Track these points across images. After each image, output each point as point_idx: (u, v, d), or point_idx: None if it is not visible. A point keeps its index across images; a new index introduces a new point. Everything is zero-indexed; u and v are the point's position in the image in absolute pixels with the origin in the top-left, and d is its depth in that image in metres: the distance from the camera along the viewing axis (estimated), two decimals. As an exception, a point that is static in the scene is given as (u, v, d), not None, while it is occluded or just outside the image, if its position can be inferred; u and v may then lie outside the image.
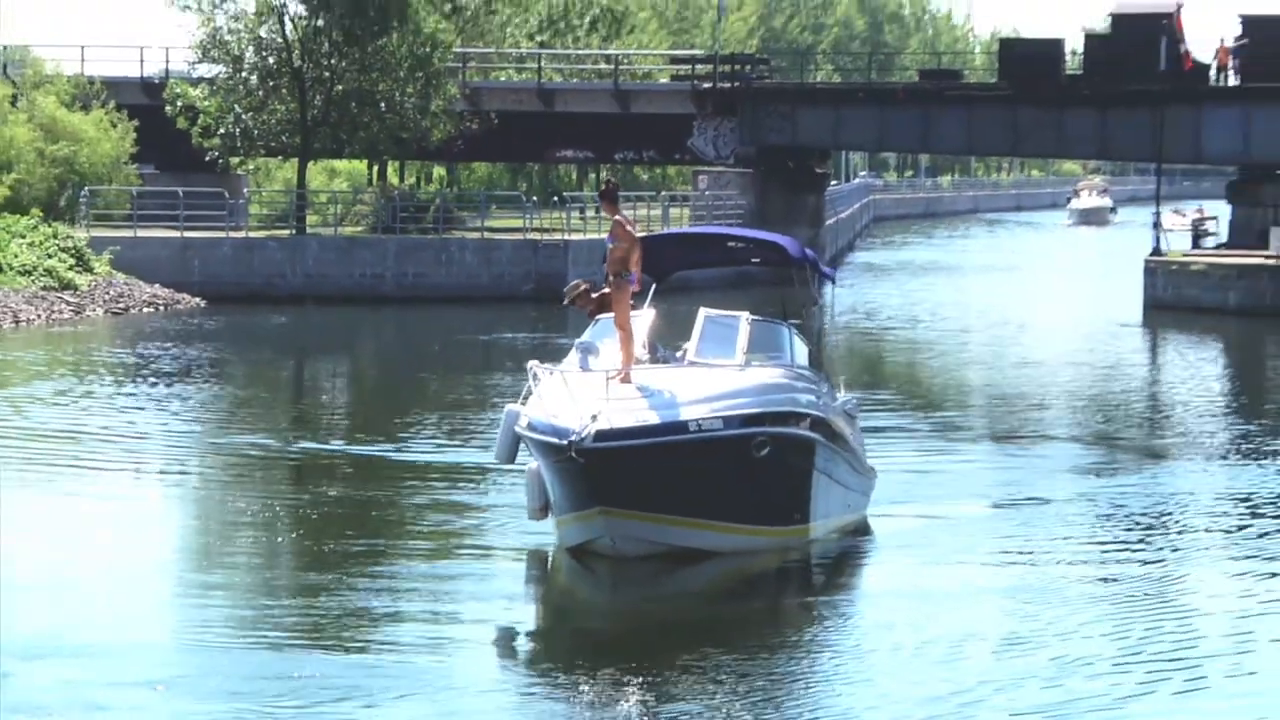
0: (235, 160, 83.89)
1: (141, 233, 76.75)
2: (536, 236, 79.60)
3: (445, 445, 36.03)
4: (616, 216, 26.42)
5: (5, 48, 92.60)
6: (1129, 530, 30.33)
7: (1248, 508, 31.52)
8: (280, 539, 29.20)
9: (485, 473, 29.53)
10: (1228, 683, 20.07)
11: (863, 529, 27.88)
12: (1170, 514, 31.53)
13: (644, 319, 26.49)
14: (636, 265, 25.77)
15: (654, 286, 28.26)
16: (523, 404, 24.88)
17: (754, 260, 32.43)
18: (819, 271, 29.77)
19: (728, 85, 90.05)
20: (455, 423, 37.39)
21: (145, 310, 69.68)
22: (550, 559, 25.44)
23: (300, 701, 18.72)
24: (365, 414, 46.85)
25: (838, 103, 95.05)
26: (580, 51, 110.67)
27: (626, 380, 24.33)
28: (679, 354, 25.96)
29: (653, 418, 23.54)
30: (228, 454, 37.61)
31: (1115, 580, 26.08)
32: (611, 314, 26.26)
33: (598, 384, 24.01)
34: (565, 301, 27.03)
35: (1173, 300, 72.17)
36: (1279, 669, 21.16)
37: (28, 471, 35.11)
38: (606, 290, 26.24)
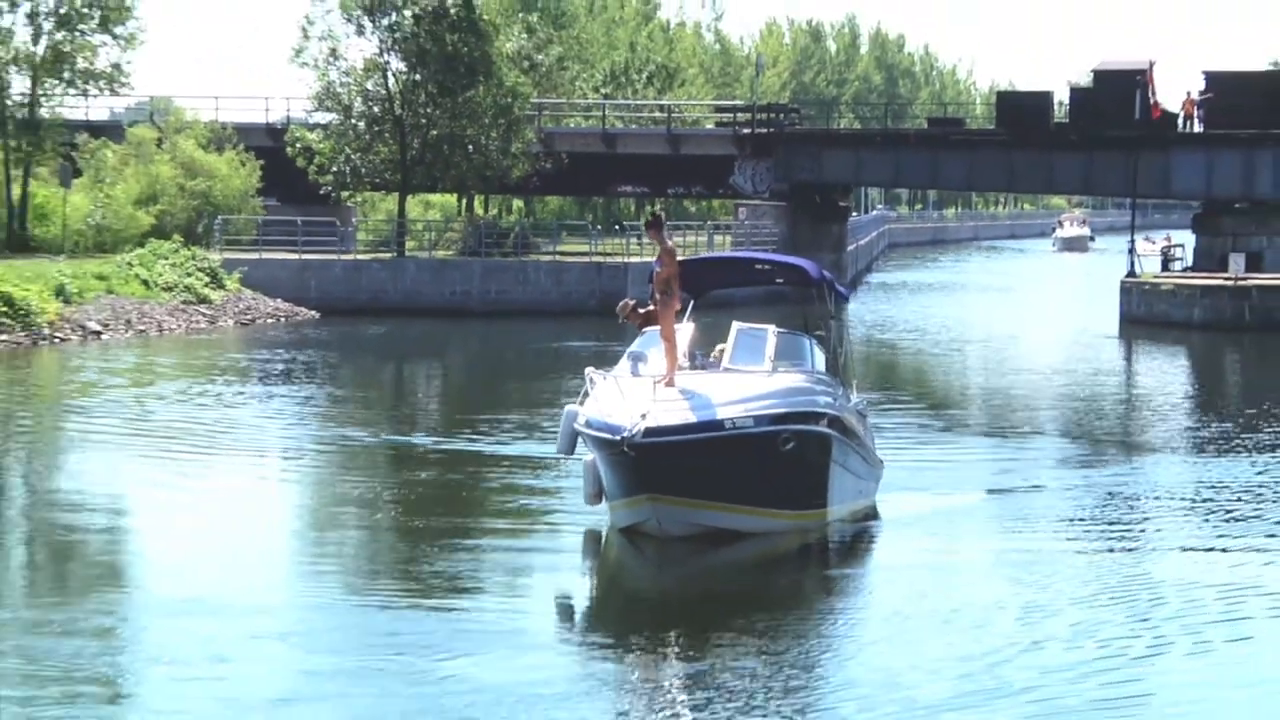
0: (345, 194, 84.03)
1: (266, 255, 77.06)
2: (600, 259, 79.53)
3: (517, 438, 36.01)
4: (664, 245, 26.43)
5: (152, 98, 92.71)
6: (1115, 511, 30.38)
7: (1218, 492, 31.42)
8: (380, 516, 29.43)
9: (549, 463, 29.58)
10: (1230, 646, 20.13)
11: (872, 513, 27.87)
12: (1150, 498, 31.58)
13: (684, 331, 26.57)
14: (675, 287, 25.87)
15: (691, 303, 28.43)
16: (581, 404, 25.16)
17: (779, 280, 32.21)
18: (835, 290, 29.81)
19: (764, 131, 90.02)
20: (526, 419, 37.42)
21: (268, 321, 69.95)
22: (604, 537, 25.49)
23: (399, 652, 19.17)
24: (451, 411, 46.95)
25: (858, 146, 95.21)
26: (638, 102, 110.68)
27: (670, 384, 24.49)
28: (715, 361, 26.03)
29: (693, 416, 23.67)
30: (336, 444, 37.82)
31: (1110, 554, 26.16)
32: (657, 327, 26.51)
33: (646, 387, 24.39)
34: (620, 319, 27.07)
35: (1145, 316, 71.94)
36: (1272, 632, 21.18)
37: (168, 458, 35.46)
38: (653, 307, 26.46)
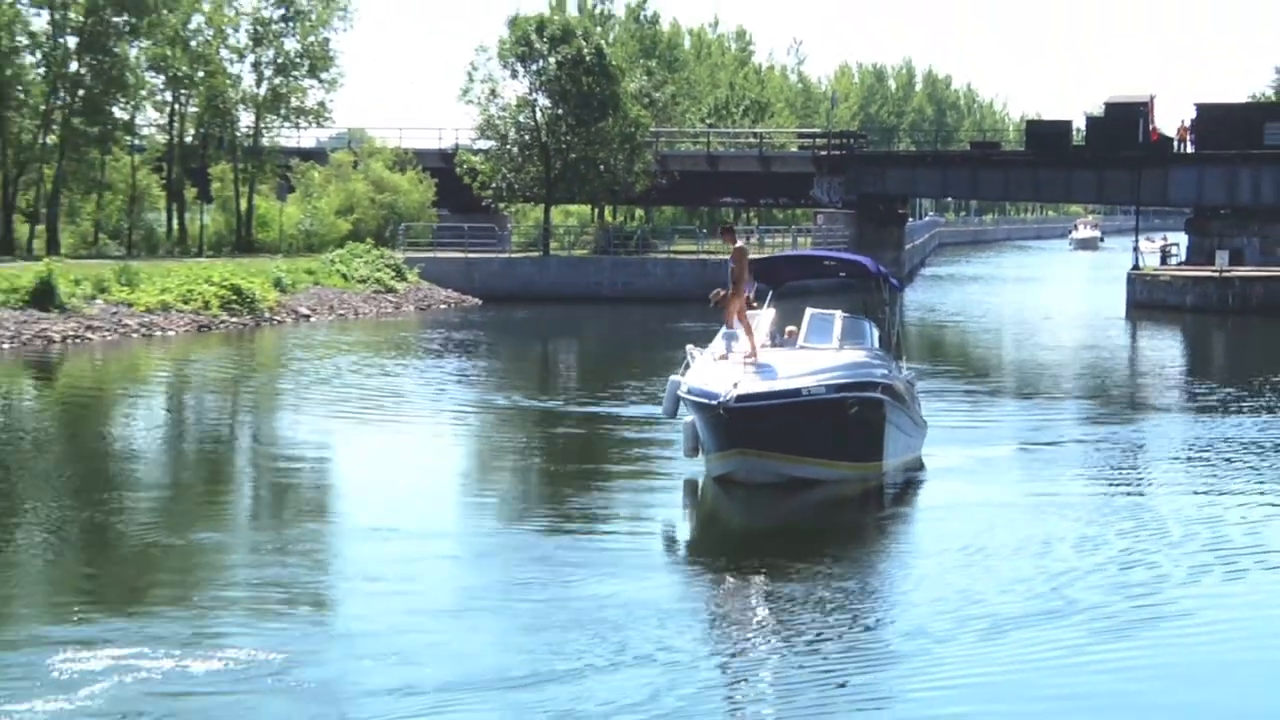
0: (502, 205, 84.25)
1: (439, 254, 77.53)
2: (705, 257, 79.08)
3: (633, 402, 35.93)
4: (734, 246, 26.84)
5: (349, 129, 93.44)
6: (1136, 460, 30.20)
7: (1221, 445, 30.96)
8: (543, 464, 29.71)
9: (657, 423, 29.51)
10: (1261, 572, 20.00)
11: (920, 465, 27.57)
12: (1163, 449, 31.20)
13: (766, 315, 26.58)
14: (746, 279, 26.14)
15: (770, 293, 28.46)
16: (682, 374, 25.14)
17: (842, 274, 31.84)
18: (889, 282, 29.59)
19: (837, 153, 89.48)
20: (642, 386, 37.41)
21: (441, 307, 70.33)
22: (700, 484, 25.32)
23: (545, 570, 19.42)
24: (583, 378, 47.01)
25: (913, 164, 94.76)
26: (736, 130, 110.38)
27: (753, 359, 24.55)
28: (791, 339, 25.99)
29: (776, 385, 23.68)
30: (492, 404, 38.02)
31: (1139, 496, 25.98)
32: (747, 311, 26.66)
33: (736, 361, 24.50)
34: (712, 304, 27.07)
35: (1147, 301, 71.20)
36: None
37: (362, 413, 35.90)
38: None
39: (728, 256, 27.34)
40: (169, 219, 78.48)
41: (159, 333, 52.22)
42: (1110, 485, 27.17)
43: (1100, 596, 18.18)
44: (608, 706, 13.94)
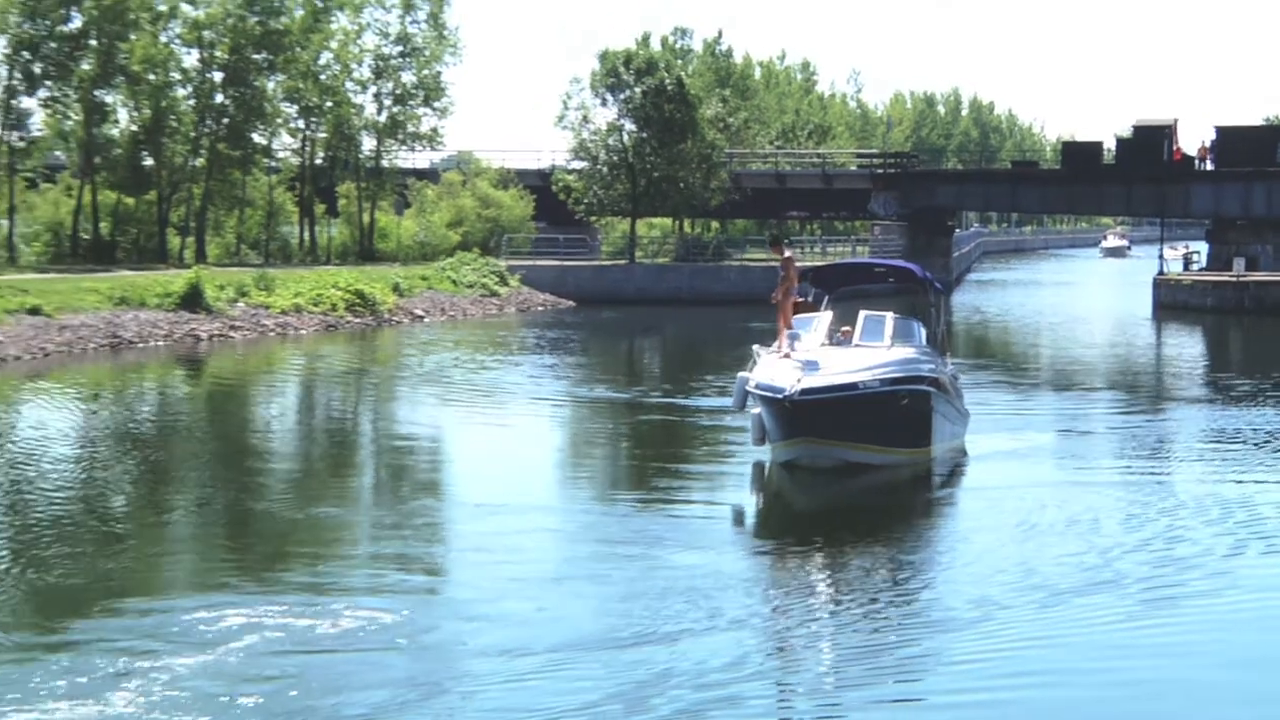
0: (593, 218, 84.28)
1: (537, 262, 77.73)
2: (774, 264, 78.63)
3: (707, 394, 35.64)
4: (783, 255, 26.92)
5: (459, 151, 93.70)
6: (1167, 447, 29.66)
7: (1245, 433, 30.24)
8: (629, 449, 29.86)
9: (727, 414, 28.99)
10: None
11: (964, 451, 27.15)
12: (1193, 437, 30.52)
13: (824, 317, 26.40)
14: (794, 284, 26.27)
15: (826, 297, 28.26)
16: (750, 372, 24.96)
17: (891, 280, 31.59)
18: (934, 286, 29.18)
19: (892, 171, 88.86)
20: (716, 380, 37.26)
21: (539, 309, 70.51)
22: (766, 469, 25.05)
23: (632, 543, 19.44)
24: (663, 373, 46.93)
25: (960, 181, 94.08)
26: (801, 151, 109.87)
27: (785, 355, 24.54)
28: (847, 338, 25.70)
29: (835, 380, 23.46)
30: (583, 395, 38.08)
31: (1174, 478, 25.42)
32: (807, 314, 26.61)
33: (798, 358, 24.38)
34: (773, 302, 26.93)
35: (1171, 303, 70.23)
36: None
37: (470, 401, 36.02)
38: (792, 299, 26.52)
39: (779, 264, 27.24)
40: (301, 232, 79.12)
41: (292, 332, 52.72)
42: (1147, 469, 26.76)
43: (1149, 570, 17.87)
44: (701, 666, 13.84)
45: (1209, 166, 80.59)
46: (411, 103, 79.23)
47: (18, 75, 60.36)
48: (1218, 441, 29.78)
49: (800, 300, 27.56)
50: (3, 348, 40.72)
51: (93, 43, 62.19)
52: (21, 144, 62.41)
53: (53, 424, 31.61)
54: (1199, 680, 14.32)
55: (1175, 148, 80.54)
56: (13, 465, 26.04)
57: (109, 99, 65.41)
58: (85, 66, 62.36)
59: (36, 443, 28.84)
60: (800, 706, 13.48)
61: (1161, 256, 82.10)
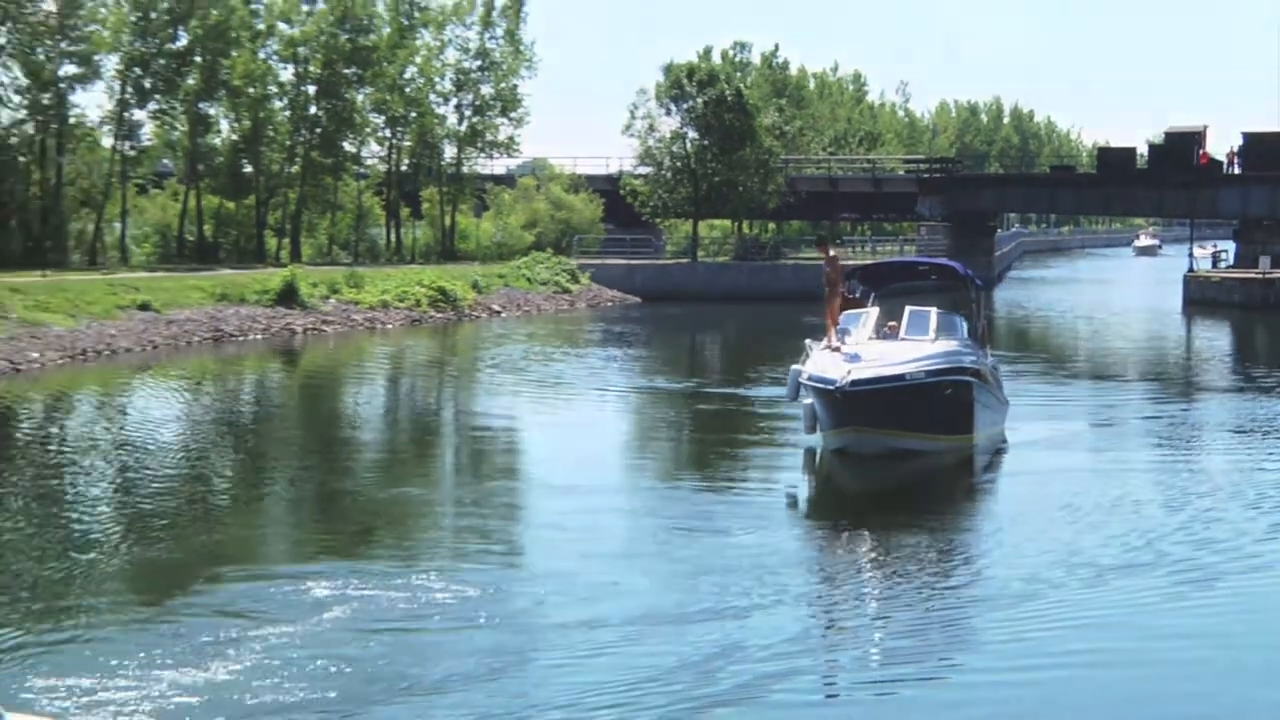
0: (657, 220, 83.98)
1: (606, 261, 77.54)
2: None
3: (762, 385, 35.20)
4: (828, 255, 26.97)
5: (533, 159, 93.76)
6: (1200, 434, 29.05)
7: (1272, 420, 30.00)
8: (690, 435, 29.69)
9: (782, 404, 28.60)
10: None
11: (1003, 438, 26.72)
12: (1222, 425, 29.80)
13: (871, 313, 26.11)
14: (839, 281, 26.24)
15: (874, 294, 27.97)
16: (802, 364, 24.66)
17: (934, 277, 31.21)
18: (974, 283, 28.83)
19: (938, 175, 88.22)
20: (771, 372, 36.99)
21: (607, 304, 70.28)
22: (818, 455, 24.74)
23: (693, 521, 19.37)
24: (722, 364, 46.68)
25: (1002, 185, 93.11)
26: (852, 157, 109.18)
27: (835, 348, 24.41)
28: (893, 332, 25.39)
29: (883, 372, 23.21)
30: (647, 385, 38.00)
31: (1207, 464, 24.88)
32: (856, 310, 26.43)
33: (847, 352, 24.18)
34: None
35: (1200, 299, 69.08)
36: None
37: (543, 390, 35.85)
38: (847, 295, 26.61)
39: (824, 263, 27.17)
40: (388, 233, 79.42)
41: (379, 326, 52.88)
42: (1183, 454, 26.30)
43: (1189, 550, 17.51)
44: (764, 639, 13.73)
45: (1236, 170, 79.44)
46: (489, 113, 79.32)
47: (130, 90, 60.92)
48: (1249, 430, 29.20)
49: (850, 297, 27.40)
50: (116, 340, 41.11)
51: (197, 59, 62.68)
52: (133, 153, 62.98)
53: (160, 410, 31.90)
54: (1236, 659, 14.00)
55: (1203, 152, 79.38)
56: (124, 448, 26.29)
57: (212, 111, 65.96)
58: (190, 81, 62.86)
59: (146, 427, 29.11)
60: (857, 679, 13.26)
61: (1191, 255, 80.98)
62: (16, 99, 58.03)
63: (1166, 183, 79.31)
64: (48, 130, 58.49)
